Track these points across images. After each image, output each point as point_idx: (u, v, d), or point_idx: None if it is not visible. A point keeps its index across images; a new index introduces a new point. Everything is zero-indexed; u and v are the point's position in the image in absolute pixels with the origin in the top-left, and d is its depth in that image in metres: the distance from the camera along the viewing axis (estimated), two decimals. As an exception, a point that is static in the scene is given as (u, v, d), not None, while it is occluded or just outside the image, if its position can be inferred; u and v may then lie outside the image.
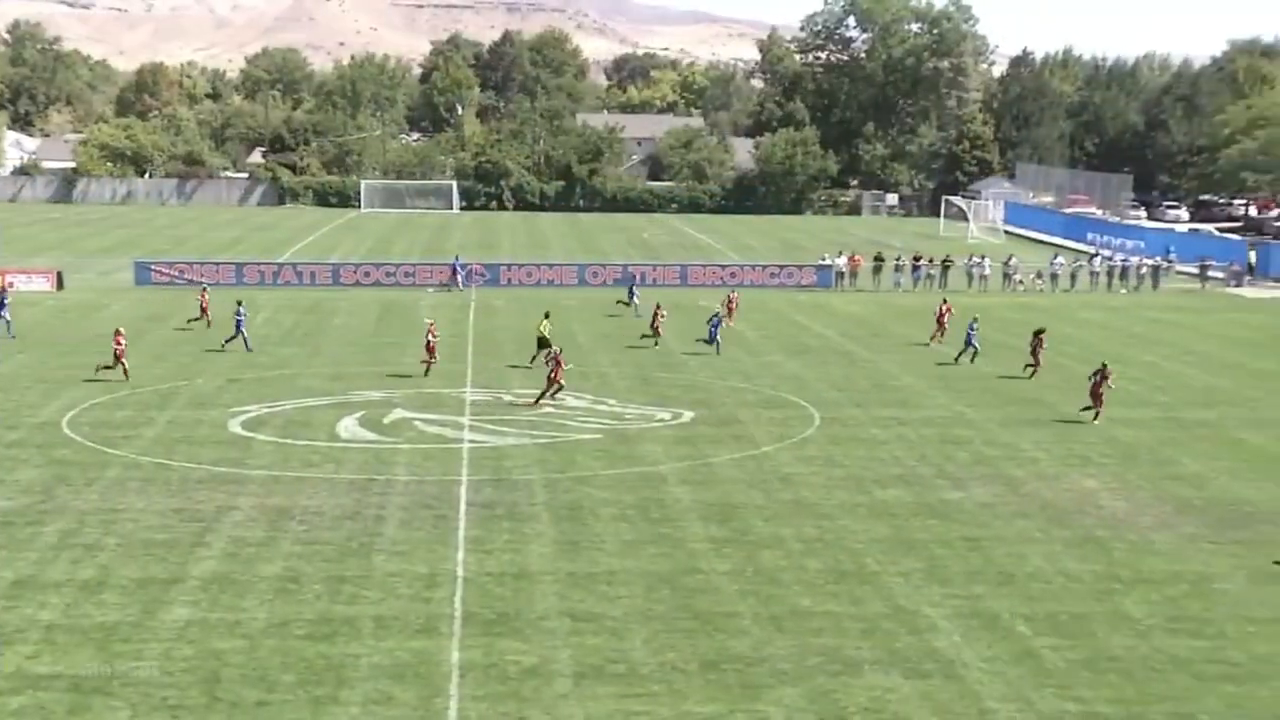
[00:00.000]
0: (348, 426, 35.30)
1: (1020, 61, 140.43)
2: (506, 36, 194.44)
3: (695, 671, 19.86)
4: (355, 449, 32.99)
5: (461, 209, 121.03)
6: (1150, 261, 73.53)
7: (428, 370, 42.43)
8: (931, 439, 34.98)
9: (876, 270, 70.23)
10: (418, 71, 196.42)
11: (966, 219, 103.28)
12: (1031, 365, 43.92)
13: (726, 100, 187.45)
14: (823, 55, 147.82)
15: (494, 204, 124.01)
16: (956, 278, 69.40)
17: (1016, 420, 37.39)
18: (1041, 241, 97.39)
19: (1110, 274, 71.51)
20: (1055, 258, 73.57)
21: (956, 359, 46.24)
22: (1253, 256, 77.56)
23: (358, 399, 38.86)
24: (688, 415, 37.43)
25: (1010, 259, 72.31)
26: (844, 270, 69.61)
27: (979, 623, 21.99)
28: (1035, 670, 20.12)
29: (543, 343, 44.16)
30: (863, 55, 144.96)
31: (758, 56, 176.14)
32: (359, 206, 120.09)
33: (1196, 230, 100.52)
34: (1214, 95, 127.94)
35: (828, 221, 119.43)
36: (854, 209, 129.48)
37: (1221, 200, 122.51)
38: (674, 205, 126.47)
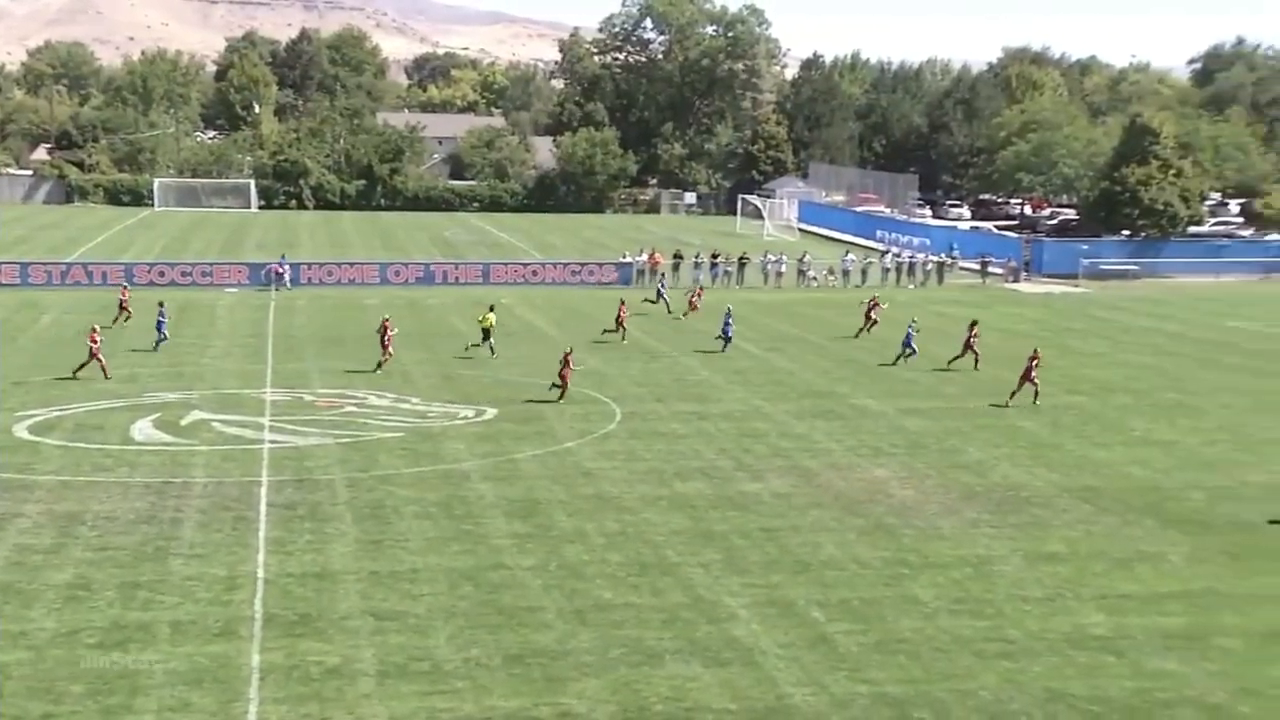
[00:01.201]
0: (142, 429, 34.38)
1: (811, 64, 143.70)
2: (304, 34, 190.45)
3: (499, 666, 20.03)
4: (150, 452, 32.16)
5: (260, 208, 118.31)
6: (935, 258, 76.24)
7: (380, 366, 42.99)
8: (730, 432, 35.76)
9: (675, 267, 71.26)
10: (212, 69, 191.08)
11: (762, 217, 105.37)
12: (959, 356, 45.75)
13: (527, 100, 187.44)
14: (621, 56, 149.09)
15: (293, 203, 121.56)
16: (753, 274, 70.89)
17: (810, 413, 38.47)
18: (834, 239, 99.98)
19: (899, 270, 73.98)
20: (846, 254, 75.74)
21: (895, 360, 46.77)
22: (1028, 253, 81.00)
23: (153, 401, 37.85)
24: (491, 412, 37.50)
25: (804, 256, 74.12)
26: (644, 268, 70.42)
27: (776, 610, 22.65)
28: (829, 655, 20.83)
29: (487, 334, 46.36)
30: (660, 57, 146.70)
31: (558, 57, 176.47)
32: (153, 205, 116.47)
33: (977, 228, 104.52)
34: (991, 99, 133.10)
35: (628, 220, 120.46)
36: (653, 207, 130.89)
37: (999, 199, 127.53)
38: (476, 204, 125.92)
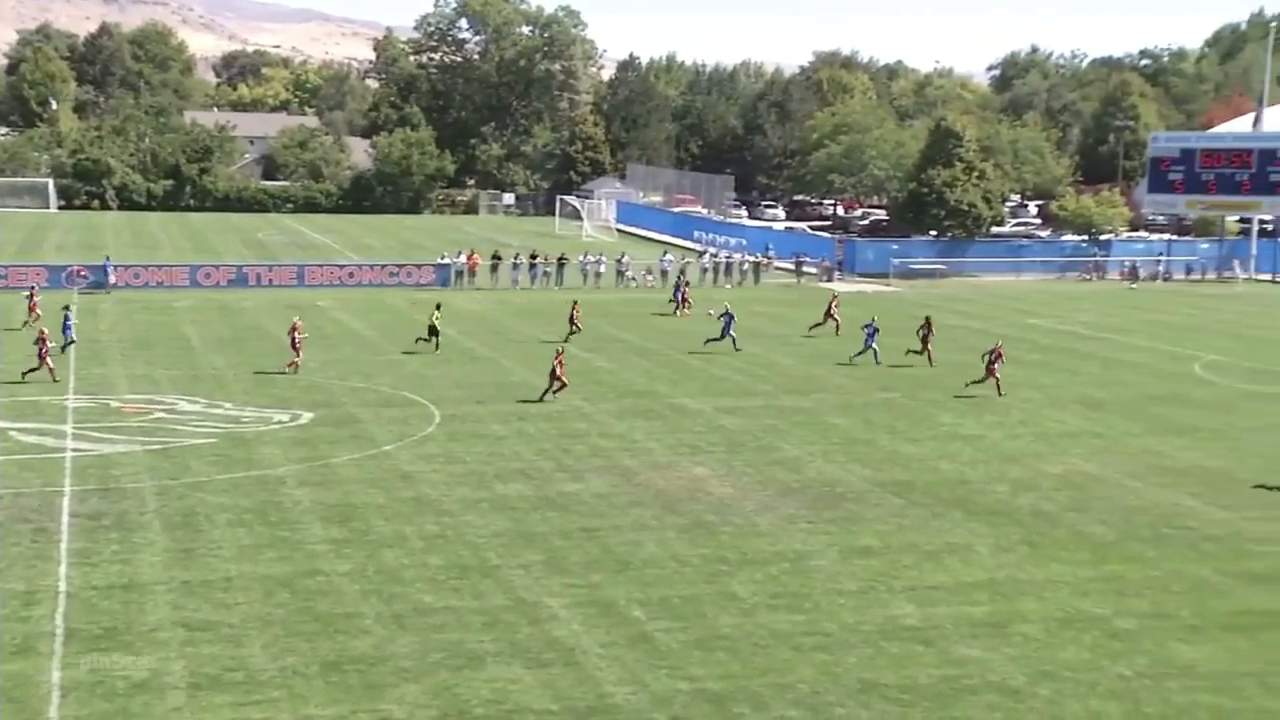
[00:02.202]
0: (-68, 440, 32.83)
1: (627, 66, 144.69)
2: (104, 28, 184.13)
3: (316, 674, 19.65)
4: (-59, 464, 30.71)
5: (60, 208, 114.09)
6: (752, 258, 77.46)
7: (293, 367, 42.61)
8: (550, 433, 35.74)
9: (494, 268, 71.01)
10: (3, 62, 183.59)
11: (580, 218, 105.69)
12: (916, 352, 47.11)
13: (341, 100, 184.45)
14: (437, 56, 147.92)
15: (96, 203, 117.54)
16: (572, 275, 71.04)
17: (630, 412, 38.68)
18: (652, 239, 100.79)
19: (716, 270, 74.96)
20: (665, 255, 76.46)
21: (852, 358, 47.71)
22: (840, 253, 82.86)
23: (-57, 411, 36.17)
24: (306, 416, 36.80)
25: (623, 256, 74.55)
26: (462, 269, 70.04)
27: (597, 610, 22.70)
28: (650, 653, 20.96)
29: (433, 330, 47.95)
30: (477, 57, 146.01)
31: (372, 56, 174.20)
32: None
33: (792, 228, 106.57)
34: (803, 102, 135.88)
35: (446, 221, 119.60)
36: (471, 208, 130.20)
37: (813, 200, 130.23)
38: (290, 205, 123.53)
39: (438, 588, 23.51)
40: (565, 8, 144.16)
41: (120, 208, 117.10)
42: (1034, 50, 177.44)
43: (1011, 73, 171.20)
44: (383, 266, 71.12)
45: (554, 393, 39.94)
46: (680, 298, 61.32)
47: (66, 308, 46.69)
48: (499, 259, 71.92)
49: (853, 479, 31.80)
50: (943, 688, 19.79)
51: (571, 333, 51.55)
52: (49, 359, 40.37)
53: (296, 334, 43.59)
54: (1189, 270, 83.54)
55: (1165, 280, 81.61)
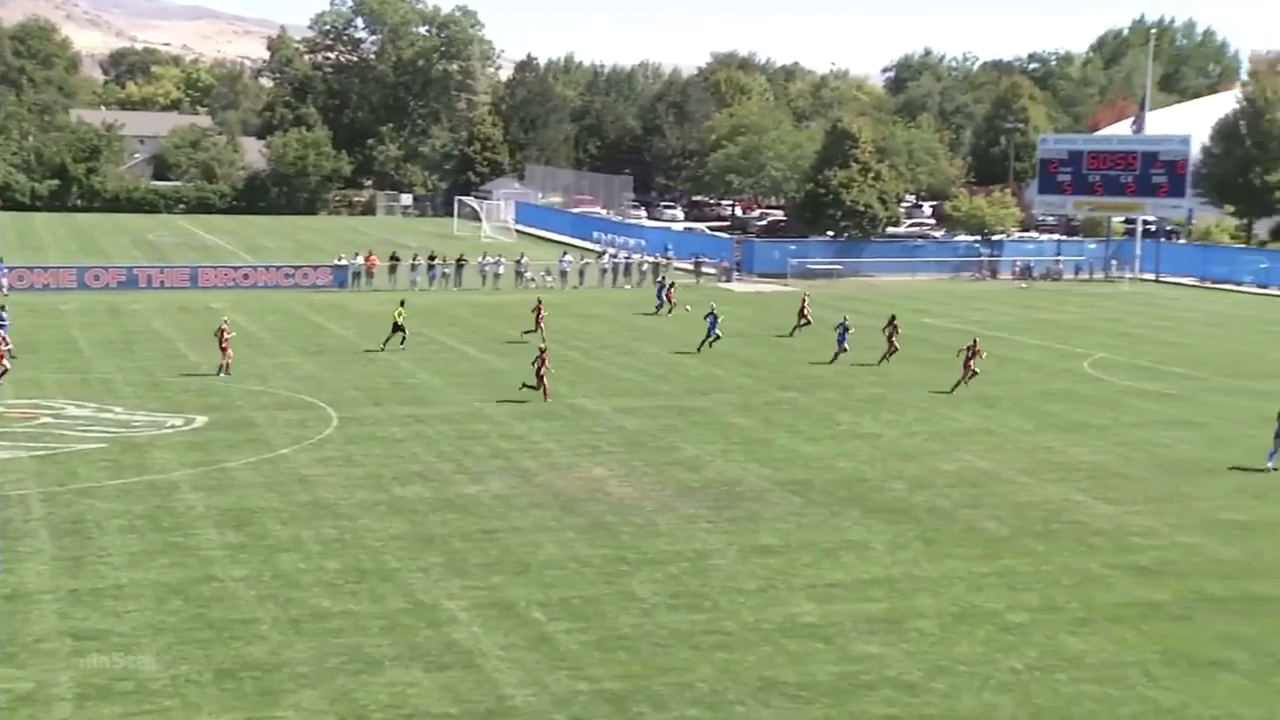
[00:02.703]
0: None
1: (525, 66, 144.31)
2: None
3: (210, 682, 19.33)
4: None
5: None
6: (651, 259, 77.69)
7: (224, 370, 42.18)
8: (449, 435, 35.53)
9: (392, 270, 70.45)
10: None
11: (479, 219, 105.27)
12: (889, 352, 48.07)
13: (234, 99, 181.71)
14: (333, 56, 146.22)
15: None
16: (471, 276, 70.73)
17: (530, 413, 38.57)
18: (551, 240, 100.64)
19: (615, 270, 75.06)
20: (564, 255, 76.41)
21: (833, 359, 48.62)
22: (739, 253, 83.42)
23: None
24: (200, 420, 36.20)
25: (522, 257, 74.39)
26: (360, 270, 69.40)
27: (497, 612, 22.60)
28: (550, 654, 20.91)
29: (397, 328, 48.62)
30: (373, 57, 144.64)
31: (266, 55, 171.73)
32: None
33: (691, 229, 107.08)
34: (701, 103, 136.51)
35: (343, 222, 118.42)
36: (369, 209, 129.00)
37: (712, 201, 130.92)
38: (182, 206, 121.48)
39: (335, 592, 23.26)
40: (462, 8, 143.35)
41: (3, 208, 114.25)
42: (927, 53, 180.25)
43: (905, 75, 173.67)
44: (278, 268, 70.21)
45: (544, 394, 40.17)
46: (664, 297, 62.48)
47: (1, 308, 45.59)
48: (397, 260, 71.37)
49: (752, 478, 32.00)
50: (841, 684, 19.99)
51: (528, 331, 52.17)
52: (5, 360, 39.60)
53: (225, 335, 43.14)
54: (1078, 270, 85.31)
55: (1055, 280, 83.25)
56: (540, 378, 40.22)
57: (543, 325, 52.04)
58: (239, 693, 19.05)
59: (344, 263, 70.18)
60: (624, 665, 20.55)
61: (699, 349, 50.36)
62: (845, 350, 48.91)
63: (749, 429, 37.52)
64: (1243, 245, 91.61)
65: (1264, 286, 78.81)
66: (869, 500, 30.26)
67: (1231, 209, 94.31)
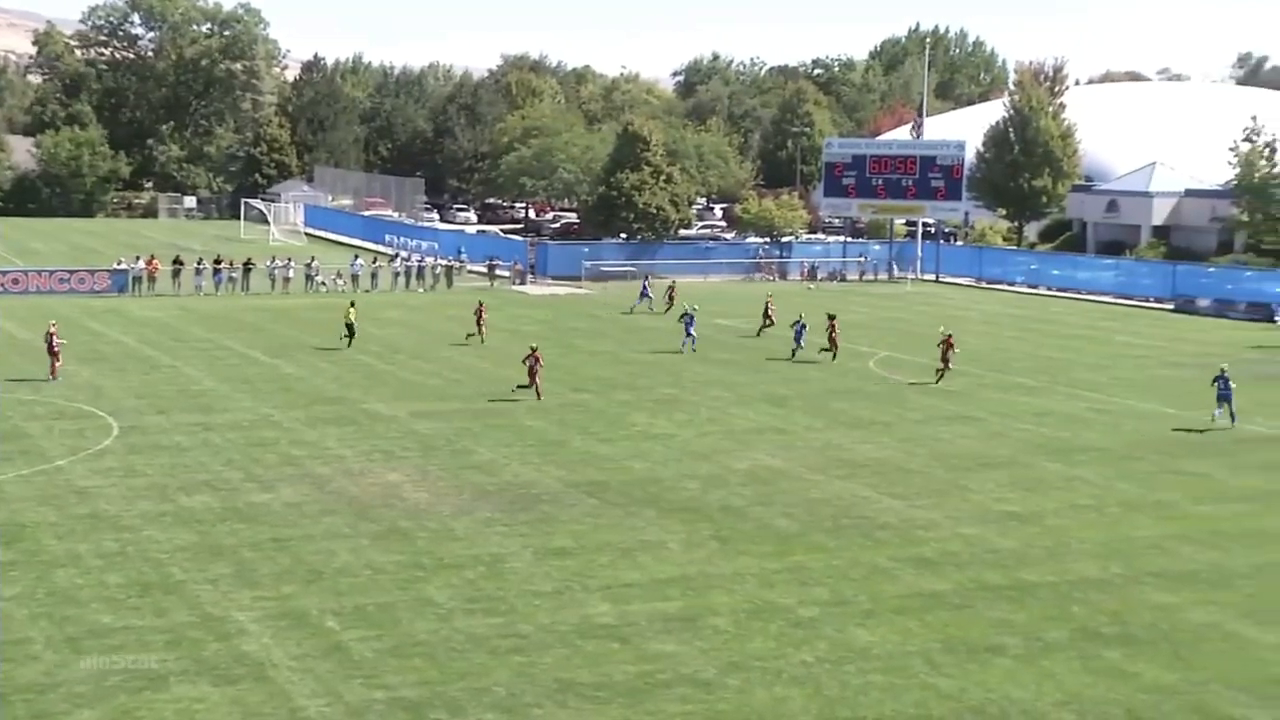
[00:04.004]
0: None
1: (313, 66, 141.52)
2: None
3: (-18, 707, 18.47)
4: None
5: None
6: (444, 261, 77.11)
7: (53, 374, 41.18)
8: (238, 442, 34.66)
9: (176, 274, 68.37)
10: None
11: (268, 222, 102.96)
12: (828, 349, 50.20)
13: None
14: (107, 52, 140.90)
15: None
16: (259, 280, 69.13)
17: (322, 419, 37.90)
18: (342, 243, 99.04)
19: (408, 274, 74.26)
20: (355, 259, 75.26)
21: (792, 354, 50.67)
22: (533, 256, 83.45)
23: None
24: (-33, 433, 34.53)
25: (312, 261, 73.01)
26: (141, 274, 67.14)
27: (289, 622, 22.14)
28: (344, 663, 20.58)
29: (351, 328, 50.10)
30: (151, 54, 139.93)
31: (33, 50, 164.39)
32: None
33: (484, 231, 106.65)
34: (493, 105, 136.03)
35: (123, 224, 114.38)
36: (151, 211, 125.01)
37: (505, 203, 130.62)
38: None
39: (117, 607, 22.44)
40: (246, 6, 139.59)
41: None
42: (715, 57, 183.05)
43: (695, 79, 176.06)
44: (52, 273, 67.48)
45: (536, 393, 41.21)
46: (670, 299, 64.59)
47: None
48: (181, 264, 69.26)
49: (548, 480, 32.03)
50: (638, 683, 20.16)
51: (470, 335, 52.90)
52: None
53: (53, 339, 42.04)
54: (862, 271, 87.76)
55: (840, 280, 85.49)
56: (533, 376, 41.09)
57: (484, 328, 52.96)
58: (9, 717, 18.22)
59: (124, 267, 67.78)
60: (420, 672, 20.35)
61: (681, 349, 51.85)
62: (802, 348, 50.85)
63: (544, 431, 37.55)
64: (1014, 247, 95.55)
65: (1034, 286, 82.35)
66: (664, 500, 30.58)
67: (1004, 212, 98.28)
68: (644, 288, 67.22)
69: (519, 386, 41.74)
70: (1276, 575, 25.96)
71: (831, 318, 51.71)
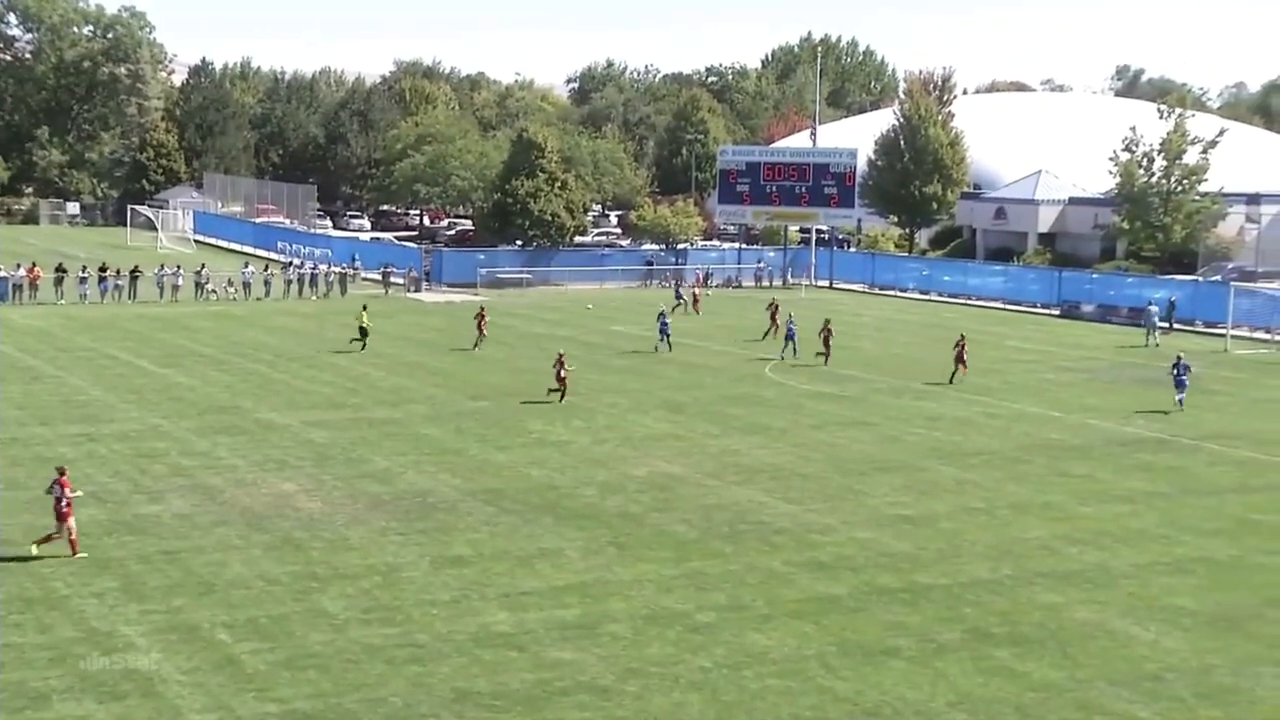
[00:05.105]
0: None
1: (200, 71, 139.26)
2: None
3: None
4: None
5: None
6: (338, 269, 76.31)
7: None
8: (125, 453, 33.99)
9: (59, 282, 66.84)
10: None
11: (155, 228, 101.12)
12: (823, 353, 51.34)
13: None
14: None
15: None
16: (147, 288, 67.86)
17: (213, 429, 37.29)
18: (233, 250, 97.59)
19: (301, 281, 73.36)
20: (246, 266, 74.21)
21: (781, 354, 52.44)
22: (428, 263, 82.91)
23: None
24: None
25: (202, 268, 71.83)
26: (22, 283, 65.56)
27: (179, 636, 21.74)
28: (236, 676, 20.25)
29: (364, 332, 51.44)
30: (29, 56, 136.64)
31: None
32: None
33: (378, 239, 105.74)
34: (386, 112, 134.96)
35: (2, 231, 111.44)
36: (31, 218, 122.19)
37: (399, 210, 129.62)
38: None
39: (-1, 625, 21.87)
40: (130, 9, 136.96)
41: None
42: (610, 64, 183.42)
43: (589, 86, 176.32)
44: (-72, 280, 65.53)
45: (559, 396, 42.46)
46: (693, 297, 68.15)
47: None
48: (63, 272, 67.73)
49: (444, 489, 31.82)
50: (535, 691, 20.10)
51: (477, 341, 53.43)
52: None
53: None
54: (758, 277, 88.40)
55: (735, 287, 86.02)
56: (561, 380, 42.09)
57: (484, 332, 53.84)
58: (-110, 739, 17.69)
59: (3, 274, 66.11)
60: (314, 684, 20.09)
61: (655, 349, 53.98)
62: (794, 350, 52.36)
63: (440, 439, 37.31)
64: (906, 254, 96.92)
65: (925, 292, 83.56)
66: (561, 507, 30.53)
67: (896, 219, 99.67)
68: (676, 290, 70.15)
69: (550, 390, 42.83)
70: (1156, 574, 26.62)
71: (827, 323, 52.84)
